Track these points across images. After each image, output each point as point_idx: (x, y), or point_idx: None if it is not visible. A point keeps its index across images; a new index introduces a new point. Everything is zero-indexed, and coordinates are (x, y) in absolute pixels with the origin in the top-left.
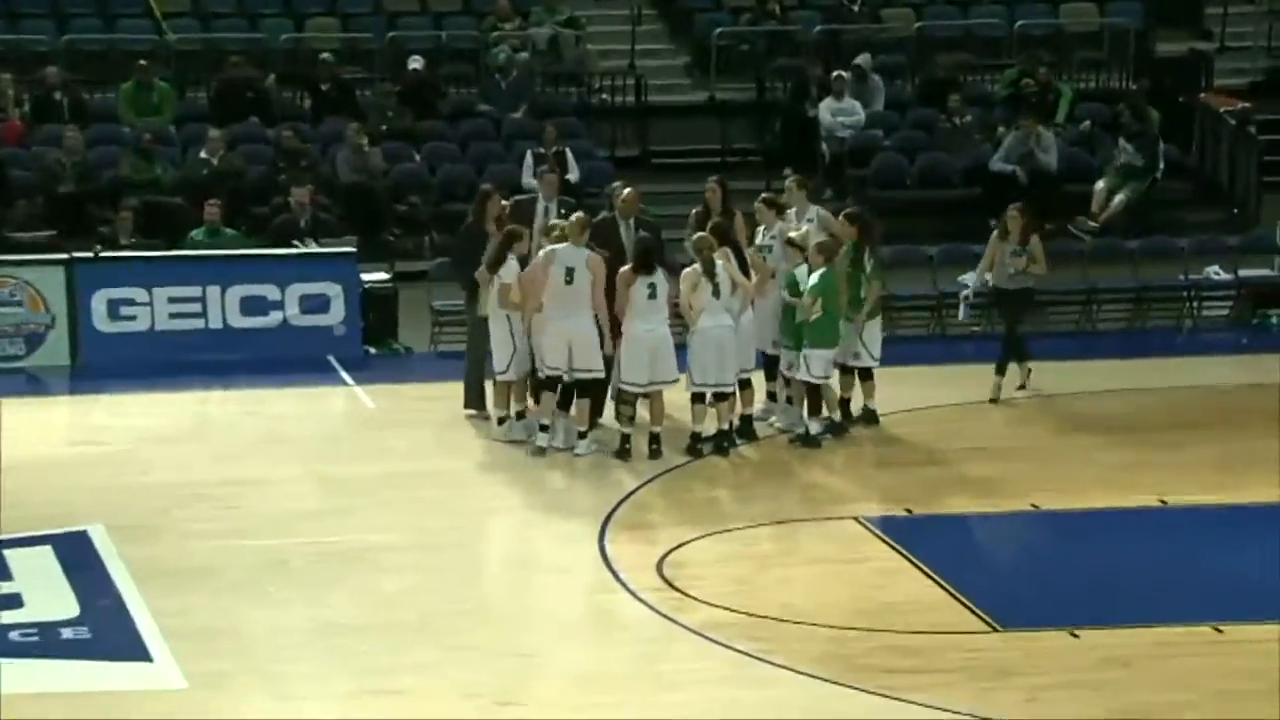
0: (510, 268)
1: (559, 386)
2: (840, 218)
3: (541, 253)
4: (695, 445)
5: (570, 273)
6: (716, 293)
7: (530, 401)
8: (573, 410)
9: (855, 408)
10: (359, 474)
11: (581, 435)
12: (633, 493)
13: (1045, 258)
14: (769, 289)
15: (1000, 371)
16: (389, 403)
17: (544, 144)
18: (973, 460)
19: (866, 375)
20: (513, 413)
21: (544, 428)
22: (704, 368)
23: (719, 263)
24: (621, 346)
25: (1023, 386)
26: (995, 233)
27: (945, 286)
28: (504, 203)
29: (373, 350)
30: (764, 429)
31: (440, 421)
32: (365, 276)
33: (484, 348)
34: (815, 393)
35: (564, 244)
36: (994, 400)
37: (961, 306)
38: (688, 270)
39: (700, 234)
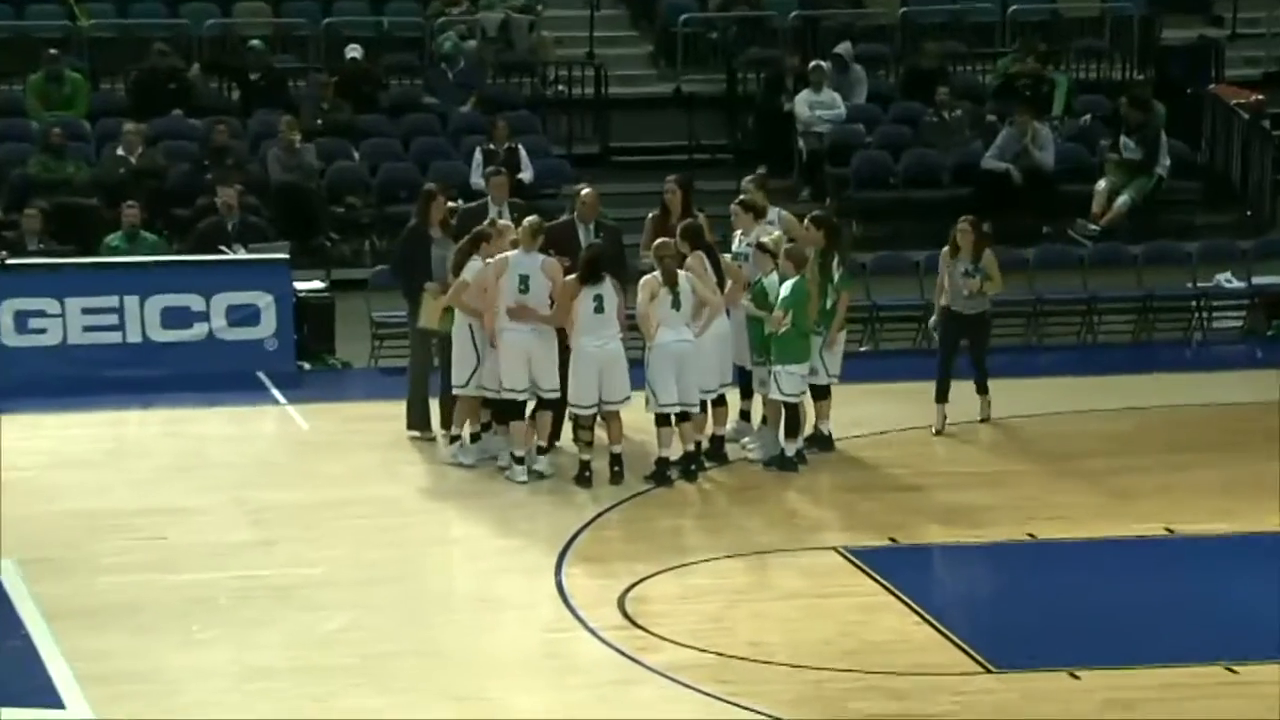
0: (471, 269)
1: (523, 411)
2: (806, 222)
3: (490, 261)
4: (662, 472)
5: (525, 281)
6: (677, 304)
7: (479, 424)
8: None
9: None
10: (292, 502)
11: (542, 451)
12: (592, 521)
13: (1000, 274)
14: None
15: (982, 390)
16: (325, 423)
17: (494, 140)
18: (963, 485)
19: (822, 394)
20: (467, 434)
21: (519, 459)
22: (664, 386)
23: (681, 272)
24: (570, 364)
25: (985, 419)
26: (944, 250)
27: (934, 296)
28: (450, 204)
29: (307, 366)
30: (736, 451)
31: (381, 444)
32: (299, 285)
33: (428, 363)
34: (792, 412)
35: (515, 251)
36: (985, 420)
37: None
38: (646, 278)
39: (662, 240)
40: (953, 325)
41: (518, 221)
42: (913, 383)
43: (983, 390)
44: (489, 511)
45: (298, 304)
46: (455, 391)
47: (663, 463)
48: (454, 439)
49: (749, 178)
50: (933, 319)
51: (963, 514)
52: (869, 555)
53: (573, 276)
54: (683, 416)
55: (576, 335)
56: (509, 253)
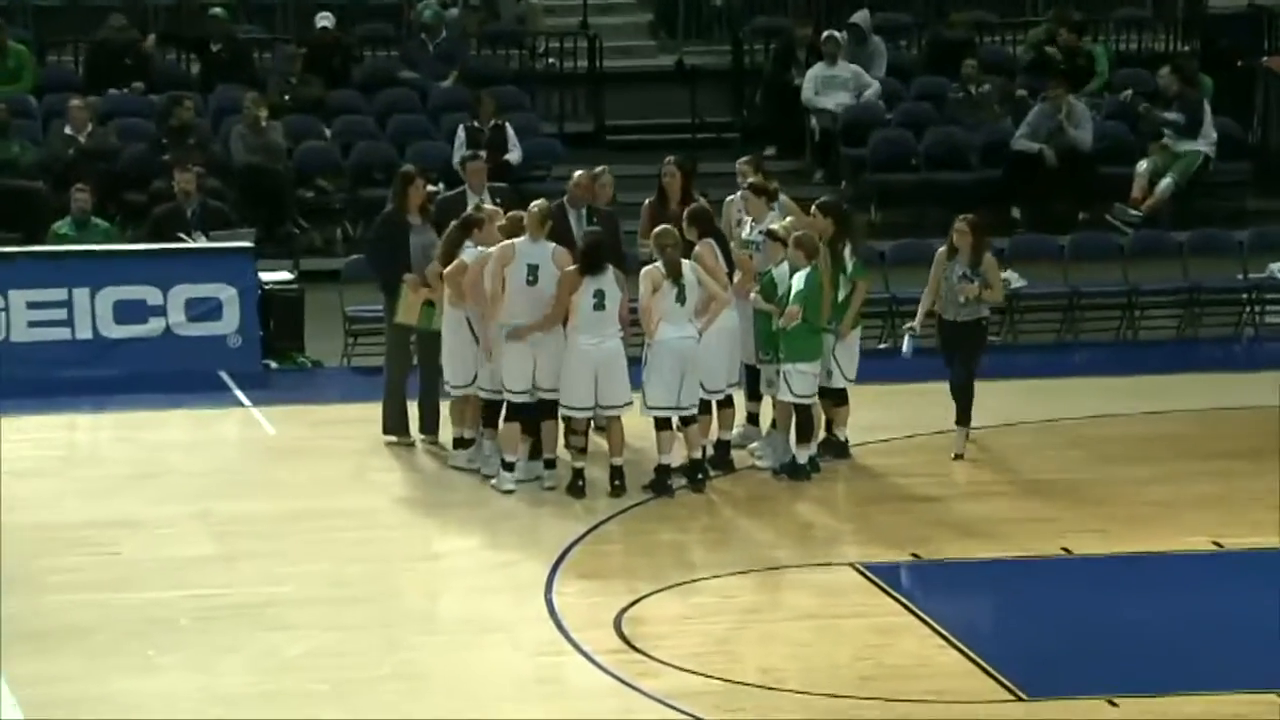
0: (467, 253)
1: (523, 415)
2: (812, 209)
3: (496, 249)
4: (663, 481)
5: (534, 271)
6: (681, 298)
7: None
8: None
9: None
10: (258, 513)
11: (549, 464)
12: (587, 534)
13: (1000, 280)
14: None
15: (962, 419)
16: (293, 428)
17: (478, 118)
18: (991, 495)
19: (839, 399)
20: (481, 435)
21: (507, 466)
22: (664, 387)
23: (686, 263)
24: (563, 363)
25: (959, 456)
26: (941, 251)
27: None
28: (430, 189)
29: (274, 364)
30: (743, 458)
31: (355, 450)
32: (264, 276)
33: (406, 362)
34: (804, 415)
35: (522, 238)
36: (958, 457)
37: (906, 341)
38: (648, 269)
39: (664, 227)
40: (944, 335)
41: (506, 208)
42: (936, 383)
43: (963, 419)
44: (474, 524)
45: (263, 297)
46: (455, 392)
47: (663, 470)
48: (463, 442)
49: (744, 159)
50: (910, 324)
51: (991, 526)
52: (888, 572)
53: (572, 268)
54: (687, 420)
55: (573, 332)
56: (515, 240)
